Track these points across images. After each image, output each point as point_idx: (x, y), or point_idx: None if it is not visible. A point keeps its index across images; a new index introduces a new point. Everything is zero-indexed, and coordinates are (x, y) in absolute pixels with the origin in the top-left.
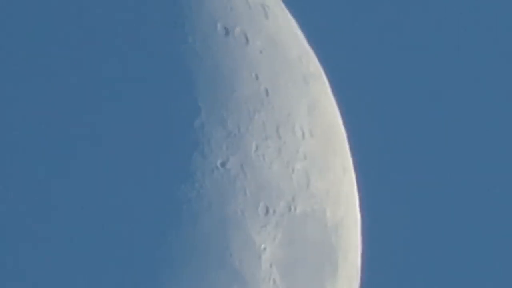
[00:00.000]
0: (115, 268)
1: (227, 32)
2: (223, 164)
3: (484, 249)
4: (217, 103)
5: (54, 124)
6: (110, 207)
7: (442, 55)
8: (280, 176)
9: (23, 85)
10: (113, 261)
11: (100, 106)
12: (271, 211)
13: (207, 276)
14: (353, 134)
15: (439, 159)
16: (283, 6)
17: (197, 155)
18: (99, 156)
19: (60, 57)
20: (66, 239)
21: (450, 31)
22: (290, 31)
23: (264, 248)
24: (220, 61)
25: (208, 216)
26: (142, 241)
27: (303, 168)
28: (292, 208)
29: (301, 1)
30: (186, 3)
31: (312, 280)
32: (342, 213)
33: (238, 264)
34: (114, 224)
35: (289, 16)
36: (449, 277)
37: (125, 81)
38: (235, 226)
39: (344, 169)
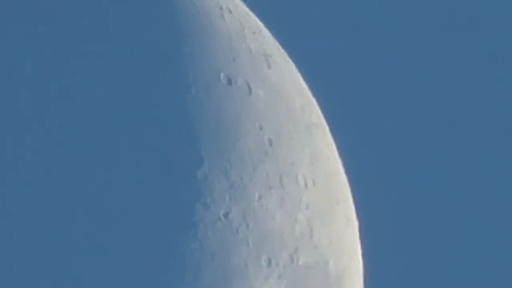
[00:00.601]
0: None
1: (230, 81)
2: (226, 215)
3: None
4: (220, 153)
5: (52, 174)
6: (113, 257)
7: (439, 93)
8: (283, 227)
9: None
10: None
11: (102, 154)
12: (274, 262)
13: None
14: (355, 184)
15: (441, 202)
16: (286, 56)
17: (199, 205)
18: (103, 206)
19: (63, 102)
20: (65, 281)
21: (442, 62)
22: (293, 81)
23: None
24: (223, 111)
25: (210, 268)
26: None
27: (306, 218)
28: (295, 259)
29: (303, 51)
30: (189, 52)
31: None
32: (345, 263)
33: None
34: (117, 274)
35: (292, 66)
36: None
37: (127, 132)
38: (238, 277)
39: (347, 219)
